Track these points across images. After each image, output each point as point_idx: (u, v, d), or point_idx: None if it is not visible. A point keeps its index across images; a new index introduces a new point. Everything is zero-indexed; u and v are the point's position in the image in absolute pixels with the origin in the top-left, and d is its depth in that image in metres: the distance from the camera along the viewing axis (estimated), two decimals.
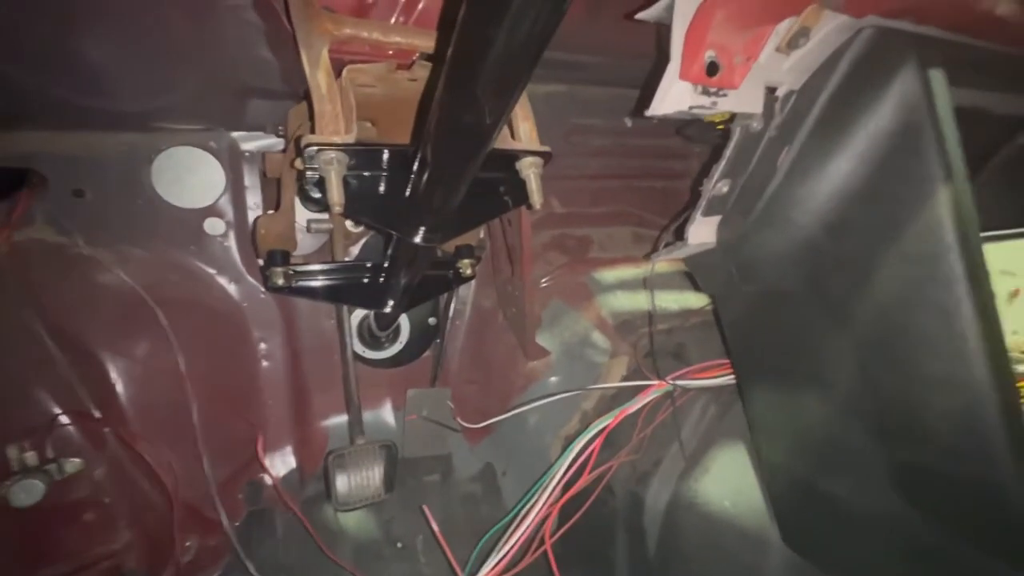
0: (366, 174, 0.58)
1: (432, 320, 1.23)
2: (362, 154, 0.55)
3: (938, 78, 0.50)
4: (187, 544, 0.96)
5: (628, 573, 0.87)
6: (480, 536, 1.10)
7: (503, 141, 0.62)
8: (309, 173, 0.55)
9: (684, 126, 1.11)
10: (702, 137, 1.13)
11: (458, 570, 0.76)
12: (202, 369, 0.98)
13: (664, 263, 1.35)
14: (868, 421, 0.54)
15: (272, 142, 0.99)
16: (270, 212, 0.83)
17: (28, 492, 0.73)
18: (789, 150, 0.56)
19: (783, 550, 0.70)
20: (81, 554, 0.86)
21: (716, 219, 0.65)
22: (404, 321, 1.20)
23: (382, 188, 0.59)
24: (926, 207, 0.49)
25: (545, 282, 1.24)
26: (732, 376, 0.89)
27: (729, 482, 0.77)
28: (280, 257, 0.82)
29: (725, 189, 0.61)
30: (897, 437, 0.53)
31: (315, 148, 0.52)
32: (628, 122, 1.38)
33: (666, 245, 0.74)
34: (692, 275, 0.73)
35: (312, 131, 0.54)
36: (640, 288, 1.24)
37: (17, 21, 0.62)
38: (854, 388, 0.55)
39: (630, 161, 1.42)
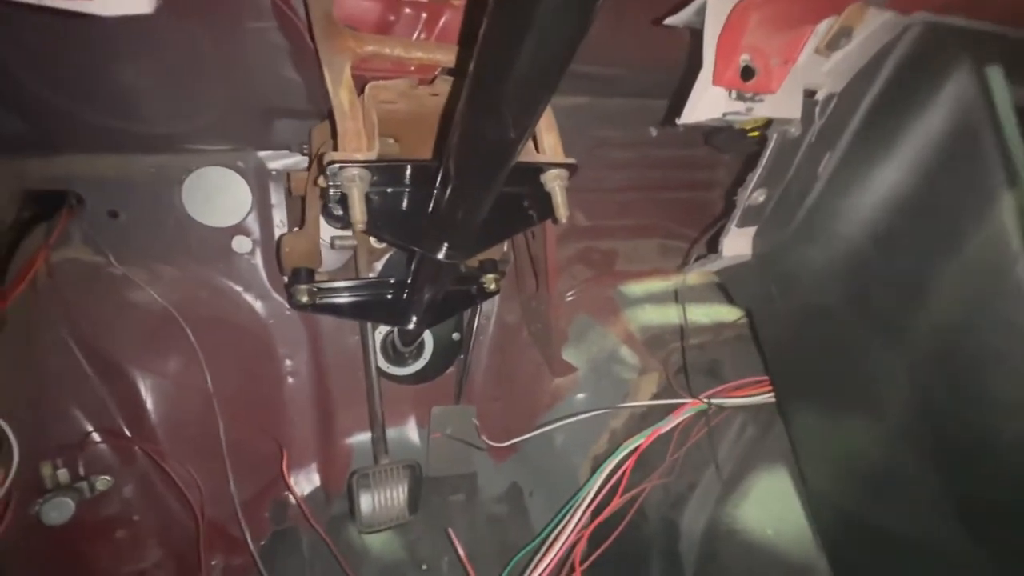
0: (389, 190, 0.57)
1: (456, 336, 1.22)
2: (384, 170, 0.54)
3: (996, 76, 0.47)
4: (213, 563, 0.95)
5: None
6: (507, 558, 1.06)
7: (527, 154, 0.60)
8: (332, 190, 0.54)
9: (712, 134, 1.08)
10: (732, 146, 1.09)
11: None
12: (229, 386, 0.98)
13: (695, 275, 1.32)
14: (925, 448, 0.50)
15: (297, 160, 1.00)
16: (295, 230, 0.83)
17: (59, 510, 0.74)
18: (831, 157, 0.52)
19: None
20: (111, 572, 0.87)
21: (752, 230, 0.62)
22: (428, 337, 1.19)
23: (404, 204, 0.58)
24: (988, 216, 0.45)
25: (570, 296, 1.22)
26: (771, 394, 0.84)
27: (771, 509, 0.73)
28: (305, 275, 0.82)
29: (761, 198, 0.58)
30: (960, 467, 0.48)
31: (337, 165, 0.52)
32: (653, 132, 1.35)
33: (698, 258, 0.71)
34: (726, 288, 0.69)
35: (335, 148, 0.53)
36: (670, 301, 1.20)
37: (57, 51, 0.65)
38: (908, 412, 0.51)
39: (655, 172, 1.39)
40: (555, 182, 0.60)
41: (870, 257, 0.52)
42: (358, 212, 0.52)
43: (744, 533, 0.73)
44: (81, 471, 0.84)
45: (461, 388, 1.18)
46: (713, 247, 0.63)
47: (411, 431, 1.19)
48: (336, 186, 0.54)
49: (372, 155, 0.53)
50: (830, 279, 0.56)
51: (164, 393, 0.96)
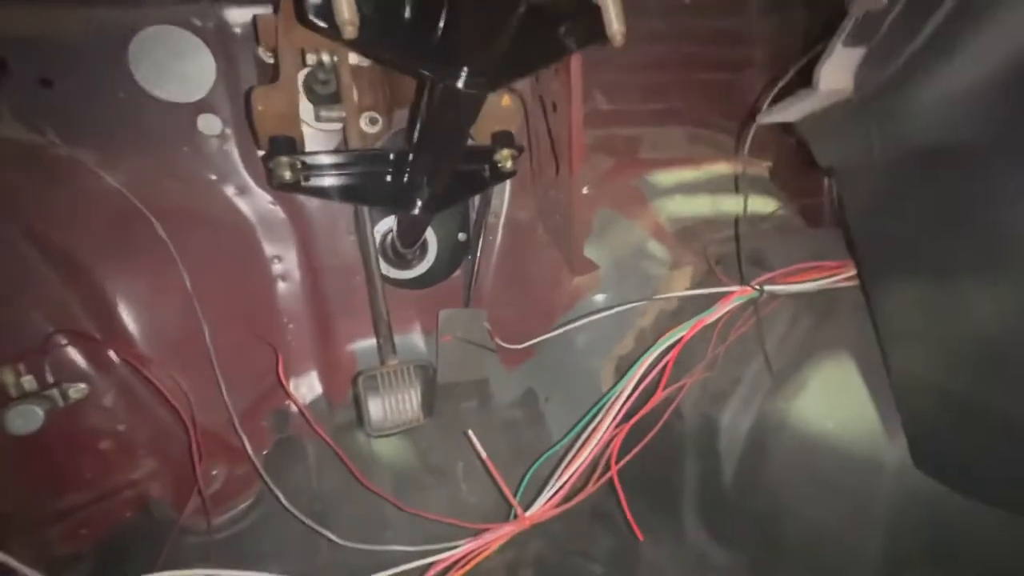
0: None
1: (462, 236, 1.10)
2: None
3: None
4: (214, 473, 0.89)
5: (698, 502, 0.78)
6: (522, 463, 1.02)
7: None
8: None
9: None
10: None
11: (511, 498, 0.67)
12: (212, 288, 0.87)
13: (723, 164, 1.18)
14: None
15: (266, 10, 0.82)
16: (267, 85, 0.68)
17: (25, 418, 0.65)
18: None
19: (901, 477, 0.58)
20: (101, 483, 0.80)
21: (857, 54, 0.48)
22: (431, 237, 1.06)
23: (408, 13, 0.43)
24: None
25: (588, 189, 1.08)
26: (829, 280, 0.74)
27: (832, 400, 0.65)
28: (286, 144, 0.68)
29: (884, 0, 0.44)
30: None
31: None
32: None
33: (771, 104, 0.57)
34: (806, 141, 0.57)
35: None
36: (702, 192, 1.08)
37: None
38: None
39: (686, 47, 1.21)
40: None
41: None
42: (346, 10, 0.37)
43: (799, 427, 0.66)
44: (49, 378, 0.75)
45: (469, 292, 1.08)
46: (805, 82, 0.49)
47: (416, 338, 1.09)
48: None
49: None
50: (973, 109, 0.43)
51: (137, 294, 0.84)
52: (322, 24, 0.40)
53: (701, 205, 1.06)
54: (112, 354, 0.80)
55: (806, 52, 1.29)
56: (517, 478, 0.81)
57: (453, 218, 1.08)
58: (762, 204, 1.09)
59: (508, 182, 1.08)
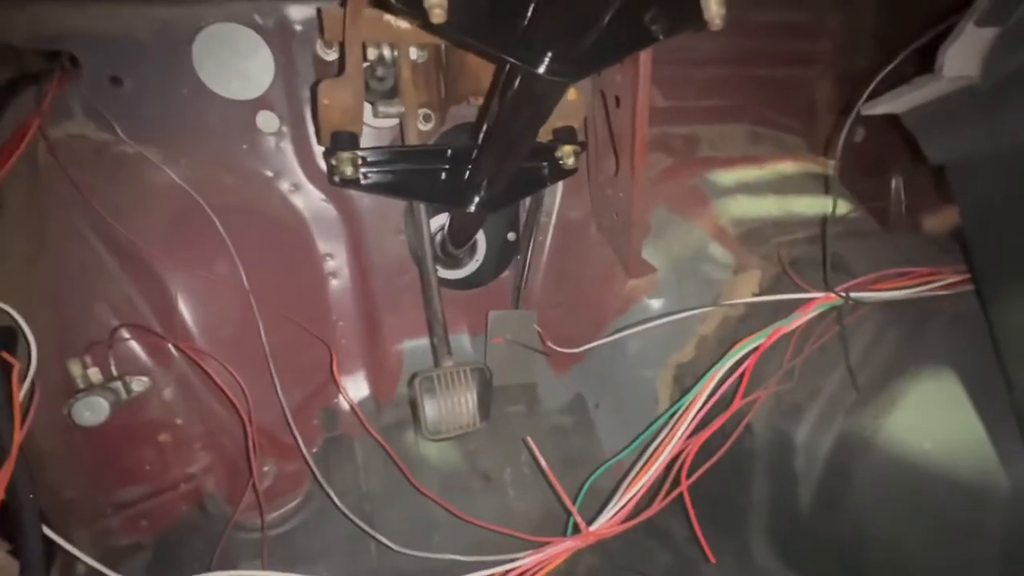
0: None
1: (511, 235, 1.07)
2: None
3: None
4: (265, 469, 0.89)
5: (769, 523, 0.73)
6: (570, 471, 0.98)
7: None
8: None
9: None
10: None
11: (575, 513, 0.63)
12: (266, 284, 0.87)
13: (788, 163, 1.12)
14: None
15: (329, 2, 0.81)
16: (333, 79, 0.66)
17: (93, 410, 0.66)
18: None
19: (1015, 503, 0.52)
20: (160, 476, 0.81)
21: (988, 35, 0.43)
22: (480, 237, 1.04)
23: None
24: None
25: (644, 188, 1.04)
26: (920, 288, 0.68)
27: (930, 420, 0.59)
28: (348, 140, 0.66)
29: None
30: None
31: None
32: None
33: (873, 93, 0.52)
34: (915, 135, 0.51)
35: None
36: (766, 192, 1.02)
37: None
38: None
39: (748, 42, 1.15)
40: None
41: None
42: None
43: (888, 448, 0.61)
44: (113, 371, 0.76)
45: (519, 293, 1.05)
46: (931, 66, 0.44)
47: (464, 339, 1.08)
48: None
49: None
50: None
51: (195, 289, 0.85)
52: (409, 8, 0.37)
53: (767, 206, 1.00)
54: (172, 349, 0.81)
55: (875, 50, 1.21)
56: (566, 487, 0.78)
57: (502, 217, 1.06)
58: (830, 205, 1.02)
59: (561, 180, 1.05)
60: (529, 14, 0.40)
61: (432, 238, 0.81)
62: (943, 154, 0.50)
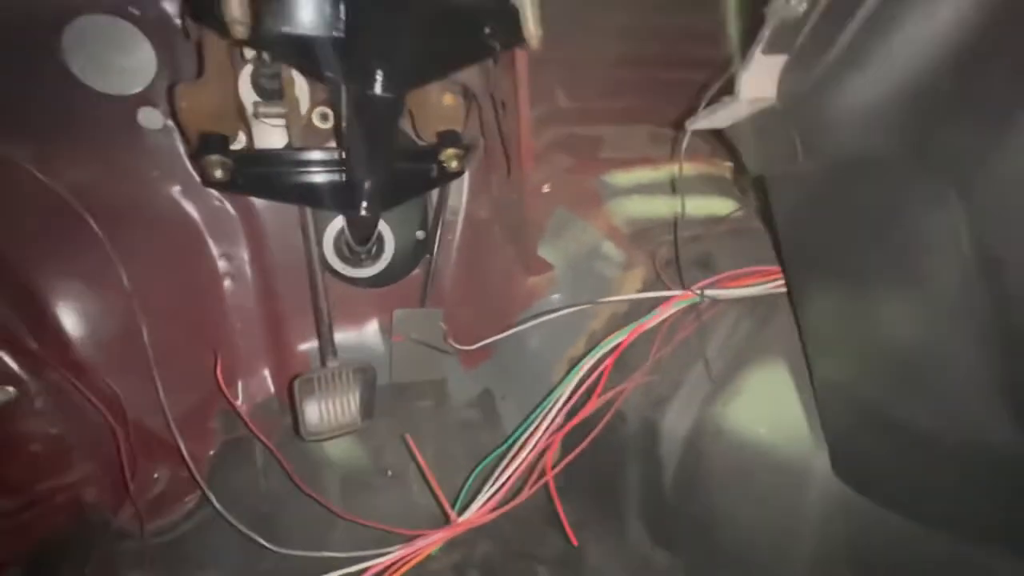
0: None
1: (420, 234, 1.08)
2: None
3: None
4: (155, 476, 0.88)
5: (640, 506, 0.78)
6: (479, 463, 1.02)
7: None
8: None
9: None
10: None
11: (445, 504, 0.66)
12: (154, 288, 0.85)
13: (688, 165, 1.18)
14: (980, 327, 0.40)
15: None
16: (192, 81, 0.65)
17: None
18: None
19: (827, 483, 0.59)
20: (31, 487, 0.78)
21: (778, 62, 0.48)
22: (388, 235, 1.05)
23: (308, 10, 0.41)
24: None
25: (547, 188, 1.07)
26: (771, 285, 0.74)
27: (765, 406, 0.65)
28: (217, 142, 0.66)
29: (801, 8, 0.43)
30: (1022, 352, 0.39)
31: None
32: None
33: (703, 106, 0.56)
34: (733, 150, 0.56)
35: None
36: (659, 192, 1.07)
37: None
38: (963, 284, 0.40)
39: (652, 45, 1.19)
40: None
41: (943, 84, 0.39)
42: (234, 5, 0.35)
43: (734, 432, 0.66)
44: None
45: (427, 291, 1.07)
46: (726, 90, 0.49)
47: (373, 337, 1.08)
48: None
49: None
50: (883, 120, 0.43)
51: (73, 296, 0.82)
52: (211, 20, 0.38)
53: (657, 206, 1.05)
54: (42, 356, 0.78)
55: None
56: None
57: (411, 215, 1.06)
58: (720, 206, 1.08)
59: (466, 179, 1.06)
60: (343, 29, 0.41)
61: (315, 241, 0.81)
62: (757, 165, 0.55)
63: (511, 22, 0.46)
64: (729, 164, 1.21)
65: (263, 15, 0.37)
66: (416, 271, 1.09)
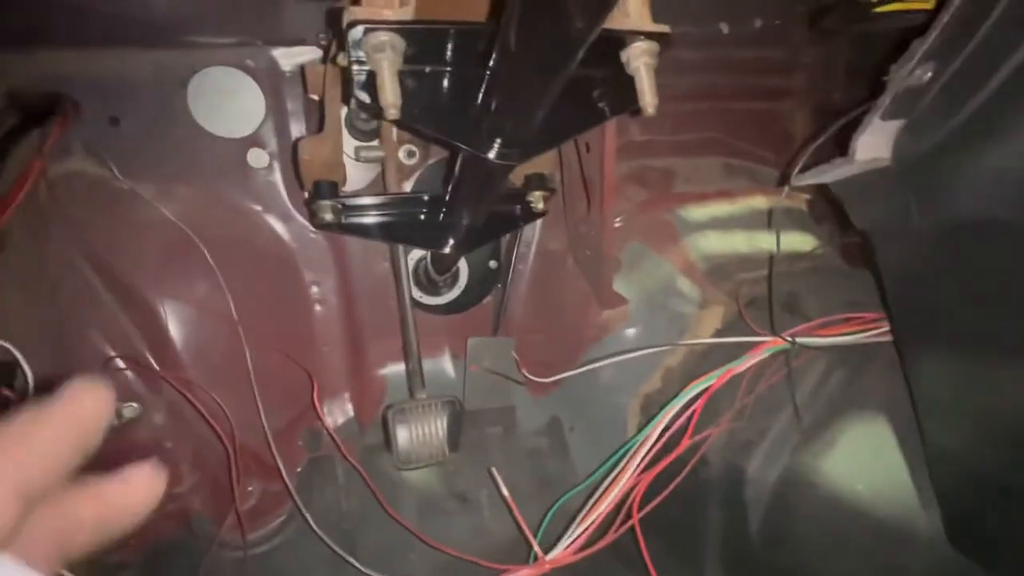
0: (427, 70, 0.44)
1: (493, 263, 1.12)
2: (423, 37, 0.41)
3: None
4: (249, 489, 0.94)
5: (722, 550, 0.77)
6: (545, 492, 1.03)
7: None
8: (356, 68, 0.42)
9: (822, 13, 0.88)
10: (846, 30, 0.90)
11: (532, 541, 0.68)
12: (253, 314, 0.92)
13: (760, 198, 1.16)
14: None
15: (315, 56, 0.86)
16: (313, 135, 0.71)
17: None
18: None
19: (933, 548, 0.57)
20: None
21: (896, 125, 0.48)
22: (463, 264, 1.09)
23: (447, 87, 0.45)
24: None
25: (620, 221, 1.09)
26: (864, 334, 0.73)
27: (863, 462, 0.63)
28: (328, 189, 0.71)
29: (927, 76, 0.43)
30: None
31: (361, 28, 0.39)
32: (724, 28, 1.15)
33: (805, 167, 0.57)
34: (833, 203, 0.56)
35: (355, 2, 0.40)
36: (736, 227, 1.06)
37: None
38: None
39: (723, 78, 1.19)
40: (641, 59, 0.46)
41: None
42: (389, 93, 0.39)
43: (827, 486, 0.65)
44: None
45: (499, 319, 1.10)
46: (841, 150, 0.49)
47: (446, 363, 1.12)
48: (360, 62, 0.41)
49: (407, 14, 0.40)
50: (1012, 189, 0.42)
51: (186, 319, 0.90)
52: (368, 103, 0.42)
53: (735, 241, 1.04)
54: (162, 376, 0.85)
55: (848, 85, 1.25)
56: (540, 507, 0.82)
57: (485, 247, 1.10)
58: (800, 241, 1.06)
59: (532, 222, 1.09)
60: (478, 106, 0.44)
61: (410, 277, 0.86)
62: (865, 222, 0.54)
63: (625, 90, 0.48)
64: (807, 197, 1.18)
65: (411, 95, 0.41)
66: (487, 300, 1.13)
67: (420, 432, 0.74)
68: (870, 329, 0.71)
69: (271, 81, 0.90)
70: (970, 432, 0.50)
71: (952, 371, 0.50)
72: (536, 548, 0.66)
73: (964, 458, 0.51)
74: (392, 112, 0.40)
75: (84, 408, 0.18)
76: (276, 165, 0.94)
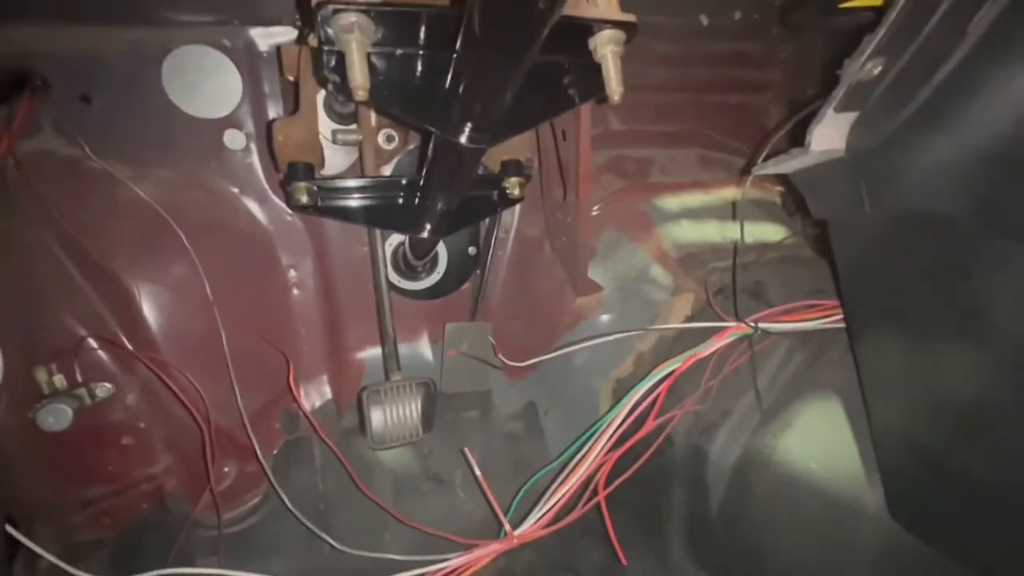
0: (398, 52, 0.45)
1: (472, 250, 1.13)
2: (392, 20, 0.42)
3: None
4: (225, 469, 0.94)
5: (685, 529, 0.80)
6: (520, 474, 1.05)
7: (573, 7, 0.47)
8: (325, 48, 0.43)
9: (792, 8, 0.90)
10: (814, 25, 0.92)
11: (502, 517, 0.70)
12: (230, 296, 0.92)
13: (734, 189, 1.19)
14: None
15: (292, 37, 0.86)
16: (288, 117, 0.71)
17: (56, 416, 0.70)
18: (992, 5, 0.39)
19: (879, 522, 0.60)
20: (122, 476, 0.86)
21: (850, 118, 0.50)
22: (442, 250, 1.10)
23: (418, 71, 0.46)
24: None
25: (597, 209, 1.11)
26: (824, 320, 0.76)
27: (817, 441, 0.67)
28: (303, 170, 0.71)
29: (876, 71, 0.45)
30: None
31: (330, 8, 0.40)
32: (704, 20, 1.16)
33: (768, 156, 0.59)
34: (800, 194, 0.58)
35: None
36: (709, 217, 1.09)
37: None
38: None
39: (702, 70, 1.21)
40: (608, 47, 0.47)
41: (1016, 153, 0.41)
42: (359, 75, 0.40)
43: (783, 465, 0.68)
44: (79, 378, 0.80)
45: (477, 305, 1.11)
46: (797, 141, 0.51)
47: (424, 347, 1.13)
48: (330, 42, 0.42)
49: None
50: (949, 181, 0.44)
51: (161, 301, 0.89)
52: (338, 84, 0.43)
53: (707, 231, 1.07)
54: (136, 357, 0.85)
55: (823, 78, 1.28)
56: (513, 488, 0.85)
57: (463, 232, 1.11)
58: (771, 232, 1.09)
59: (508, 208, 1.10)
60: (447, 88, 0.45)
61: (388, 261, 0.87)
62: (822, 211, 0.57)
63: (592, 77, 0.50)
64: (780, 188, 1.21)
65: (380, 78, 0.42)
66: (466, 285, 1.14)
67: (394, 413, 0.75)
68: (830, 315, 0.74)
69: (248, 61, 0.89)
70: (913, 410, 0.53)
71: (896, 353, 0.53)
72: (505, 524, 0.69)
73: (906, 435, 0.54)
74: (360, 94, 0.41)
75: None
76: (253, 147, 0.93)
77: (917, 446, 0.53)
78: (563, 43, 0.47)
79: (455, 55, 0.43)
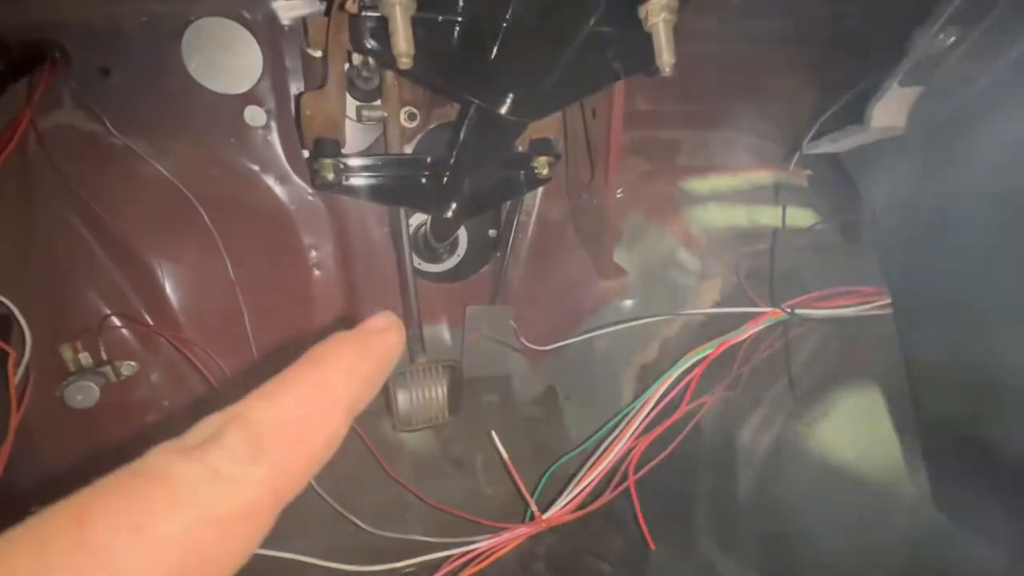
0: (439, 19, 0.43)
1: (492, 232, 1.11)
2: None
3: None
4: None
5: (713, 514, 0.79)
6: (539, 459, 1.05)
7: None
8: (364, 16, 0.40)
9: None
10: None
11: (530, 501, 0.69)
12: (252, 275, 0.91)
13: (763, 173, 1.16)
14: None
15: (315, 9, 0.83)
16: (316, 90, 0.69)
17: (84, 394, 0.70)
18: None
19: (915, 512, 0.59)
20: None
21: (914, 92, 0.47)
22: (462, 233, 1.08)
23: (458, 38, 0.44)
24: None
25: (622, 192, 1.08)
26: (862, 307, 0.73)
27: (854, 430, 0.65)
28: (330, 147, 0.69)
29: (950, 41, 0.42)
30: None
31: None
32: None
33: (816, 135, 0.56)
34: (848, 174, 0.56)
35: None
36: (737, 201, 1.06)
37: None
38: None
39: (734, 49, 1.17)
40: (660, 15, 0.45)
41: None
42: (402, 40, 0.38)
43: (817, 453, 0.67)
44: (104, 356, 0.80)
45: (497, 288, 1.10)
46: (855, 117, 0.48)
47: (443, 331, 1.12)
48: (371, 7, 0.40)
49: None
50: (1018, 156, 0.42)
51: (183, 279, 0.89)
52: (378, 52, 0.41)
53: (736, 215, 1.04)
54: (159, 335, 0.85)
55: (859, 59, 1.23)
56: (534, 474, 0.84)
57: (484, 215, 1.09)
58: (800, 217, 1.06)
59: (536, 188, 1.08)
60: (492, 58, 0.43)
61: (411, 242, 0.85)
62: (873, 192, 0.54)
63: (638, 48, 0.47)
64: (808, 173, 1.18)
65: (423, 46, 0.40)
66: (486, 268, 1.13)
67: (420, 395, 0.74)
68: (868, 302, 0.72)
69: (269, 35, 0.86)
70: (968, 399, 0.51)
71: (950, 340, 0.51)
72: (533, 507, 0.68)
73: (958, 425, 0.52)
74: (405, 61, 0.39)
75: (392, 343, 0.21)
76: (274, 124, 0.91)
77: (968, 436, 0.51)
78: (612, 12, 0.45)
79: (504, 23, 0.41)
